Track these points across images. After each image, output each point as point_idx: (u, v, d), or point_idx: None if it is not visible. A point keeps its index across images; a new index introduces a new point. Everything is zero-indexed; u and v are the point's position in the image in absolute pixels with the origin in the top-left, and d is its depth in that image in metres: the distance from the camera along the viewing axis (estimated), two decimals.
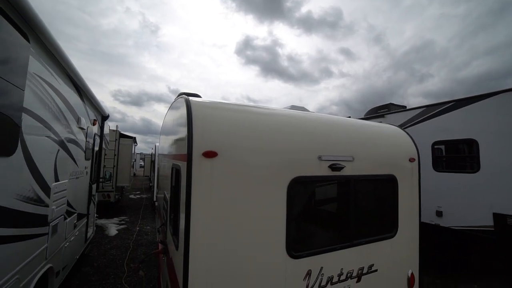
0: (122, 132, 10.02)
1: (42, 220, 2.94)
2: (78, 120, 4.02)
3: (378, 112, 6.56)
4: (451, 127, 4.86)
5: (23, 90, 2.28)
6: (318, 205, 2.55)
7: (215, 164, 1.85)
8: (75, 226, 4.15)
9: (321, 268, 2.26)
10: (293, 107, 3.48)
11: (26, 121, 2.39)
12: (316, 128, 2.42)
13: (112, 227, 7.56)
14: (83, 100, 4.36)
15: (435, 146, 5.14)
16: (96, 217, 6.87)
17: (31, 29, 2.35)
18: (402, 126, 5.62)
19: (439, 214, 4.85)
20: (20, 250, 2.53)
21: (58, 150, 3.30)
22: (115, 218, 8.69)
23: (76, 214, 4.18)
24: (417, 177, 3.03)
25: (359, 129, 2.76)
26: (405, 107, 6.31)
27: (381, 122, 6.12)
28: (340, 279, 2.36)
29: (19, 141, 2.29)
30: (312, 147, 2.28)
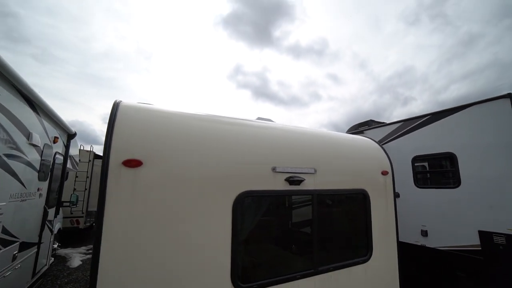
0: (97, 154, 9.54)
1: None
2: (28, 136, 3.66)
3: (359, 128, 6.45)
4: (429, 141, 4.73)
5: None
6: (273, 225, 2.21)
7: (139, 176, 1.55)
8: (14, 258, 3.60)
9: None
10: (259, 119, 3.27)
11: None
12: (271, 137, 2.17)
13: (76, 257, 6.84)
14: (38, 115, 4.04)
15: (415, 162, 4.96)
16: (58, 246, 6.20)
17: None
18: (381, 142, 5.47)
19: (424, 233, 4.54)
20: None
21: None
22: (82, 247, 7.92)
23: (17, 243, 3.65)
24: (392, 192, 2.77)
25: (323, 139, 2.53)
26: (385, 123, 6.23)
27: None
28: None
29: None
30: (265, 158, 2.01)
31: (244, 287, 1.76)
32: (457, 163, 4.29)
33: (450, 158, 4.50)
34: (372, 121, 6.46)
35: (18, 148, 3.43)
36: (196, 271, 1.64)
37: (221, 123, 2.04)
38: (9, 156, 3.25)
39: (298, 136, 2.36)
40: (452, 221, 4.26)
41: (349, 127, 7.28)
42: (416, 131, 4.95)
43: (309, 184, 2.19)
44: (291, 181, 2.07)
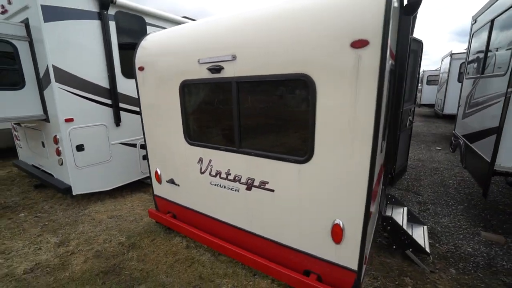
0: None
1: None
2: None
3: None
4: None
5: None
6: (206, 106, 2.62)
7: (143, 76, 3.01)
8: None
9: (210, 160, 2.65)
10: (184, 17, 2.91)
11: None
12: (198, 32, 2.42)
13: None
14: None
15: None
16: None
17: (146, 15, 4.57)
18: None
19: None
20: None
21: None
22: None
23: None
24: (375, 73, 1.59)
25: (246, 19, 2.09)
26: None
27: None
28: (228, 177, 2.55)
29: None
30: (193, 52, 2.45)
31: (190, 142, 2.76)
32: None
33: None
34: None
35: None
36: (170, 129, 2.92)
37: (185, 28, 2.63)
38: None
39: (219, 24, 2.20)
40: None
41: None
42: None
43: (229, 71, 2.20)
44: (211, 69, 2.32)
